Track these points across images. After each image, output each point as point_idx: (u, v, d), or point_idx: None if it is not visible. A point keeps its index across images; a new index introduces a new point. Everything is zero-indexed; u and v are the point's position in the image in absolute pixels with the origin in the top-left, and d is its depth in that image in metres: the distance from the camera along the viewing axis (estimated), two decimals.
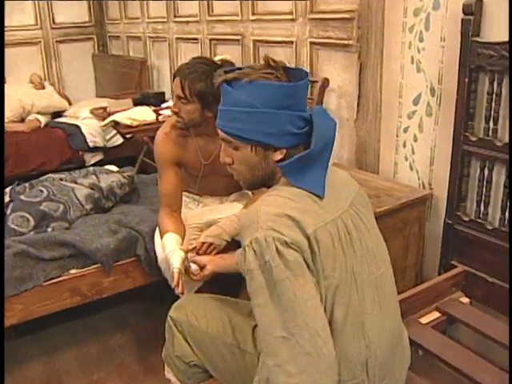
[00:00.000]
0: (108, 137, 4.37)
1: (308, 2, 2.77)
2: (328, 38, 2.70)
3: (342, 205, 1.29)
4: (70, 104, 4.90)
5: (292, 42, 2.93)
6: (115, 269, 2.36)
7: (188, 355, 1.63)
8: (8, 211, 2.59)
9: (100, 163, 4.19)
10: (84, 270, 2.34)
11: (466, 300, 2.14)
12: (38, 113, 4.58)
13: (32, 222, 2.52)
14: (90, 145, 4.30)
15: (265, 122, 1.23)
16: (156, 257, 2.31)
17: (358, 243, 1.28)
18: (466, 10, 2.00)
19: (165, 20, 4.18)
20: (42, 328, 2.59)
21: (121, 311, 2.79)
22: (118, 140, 4.37)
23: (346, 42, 2.61)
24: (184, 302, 1.72)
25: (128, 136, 4.01)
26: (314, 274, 1.17)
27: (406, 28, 2.32)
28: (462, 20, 2.01)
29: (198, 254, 1.95)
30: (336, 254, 1.21)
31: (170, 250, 2.01)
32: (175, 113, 2.04)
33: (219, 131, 1.31)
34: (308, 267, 1.16)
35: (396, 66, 2.40)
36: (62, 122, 4.56)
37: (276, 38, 3.04)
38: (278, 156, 1.27)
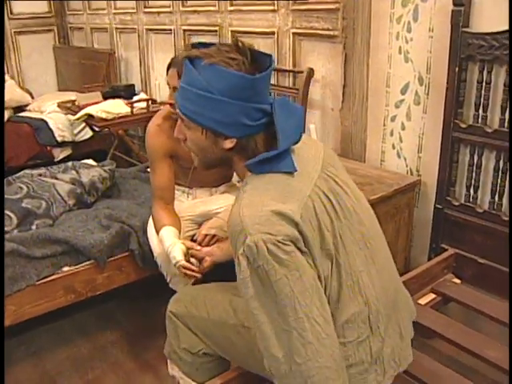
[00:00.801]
0: (76, 131, 4.27)
1: None
2: (312, 28, 2.72)
3: (312, 173, 1.28)
4: (32, 98, 4.74)
5: (273, 33, 2.93)
6: (109, 265, 2.33)
7: (195, 344, 1.62)
8: None
9: (69, 158, 4.10)
10: (77, 267, 2.29)
11: (457, 281, 2.23)
12: None
13: (15, 220, 2.44)
14: (58, 139, 4.19)
15: (218, 110, 1.20)
16: (150, 251, 2.28)
17: (337, 206, 1.27)
18: (456, 1, 2.06)
19: (134, 11, 4.10)
20: (27, 329, 2.51)
21: (107, 308, 2.73)
22: (87, 134, 4.28)
23: (330, 32, 2.64)
24: (181, 295, 1.72)
25: (100, 130, 3.92)
26: (309, 255, 1.18)
27: (393, 19, 2.37)
28: (452, 11, 2.08)
29: (200, 245, 1.95)
30: (322, 225, 1.21)
31: (169, 244, 1.98)
32: (171, 105, 2.01)
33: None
34: (302, 252, 1.17)
35: (383, 56, 2.45)
36: (26, 117, 4.42)
37: (256, 29, 3.04)
38: (229, 145, 1.26)
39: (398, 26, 2.36)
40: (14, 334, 2.47)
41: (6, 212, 2.46)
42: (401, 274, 2.25)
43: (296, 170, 1.23)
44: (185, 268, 1.87)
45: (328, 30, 2.64)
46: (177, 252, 1.92)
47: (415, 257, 2.54)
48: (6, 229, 2.40)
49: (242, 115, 1.20)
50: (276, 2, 2.86)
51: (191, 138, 1.30)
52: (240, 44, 1.20)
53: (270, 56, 1.25)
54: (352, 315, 1.25)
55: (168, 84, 2.03)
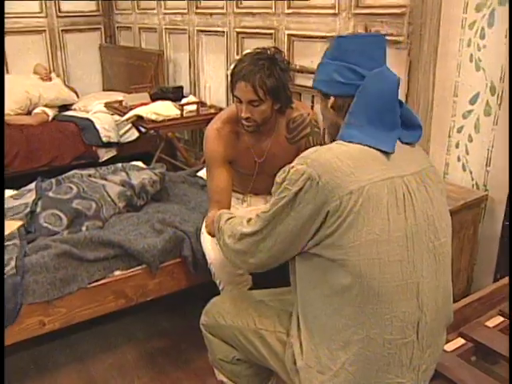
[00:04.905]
0: (122, 132, 4.24)
1: None
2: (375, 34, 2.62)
3: (407, 169, 1.29)
4: (77, 97, 4.74)
5: (333, 38, 2.83)
6: (160, 270, 2.27)
7: (228, 353, 1.67)
8: (38, 209, 2.47)
9: (113, 159, 4.08)
10: (129, 271, 2.24)
11: None
12: (46, 105, 4.44)
13: (65, 221, 2.41)
14: (104, 140, 4.17)
15: (321, 71, 1.39)
16: (203, 258, 2.22)
17: (418, 207, 1.28)
18: None
19: (185, 11, 4.04)
20: (71, 332, 2.45)
21: (153, 314, 2.66)
22: (133, 135, 4.25)
23: (395, 38, 2.53)
24: (210, 307, 1.76)
25: (146, 131, 3.88)
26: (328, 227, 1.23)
27: (465, 24, 2.26)
28: None
29: None
30: (383, 211, 1.22)
31: None
32: (246, 118, 1.96)
33: None
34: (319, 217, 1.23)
35: (452, 64, 2.34)
36: (72, 116, 4.42)
37: (314, 33, 2.95)
38: (329, 103, 1.37)
39: (471, 32, 2.24)
40: (58, 337, 2.41)
41: (57, 212, 2.44)
42: (462, 295, 2.17)
43: (391, 151, 1.28)
44: None
45: (392, 35, 2.54)
46: None
47: (478, 276, 2.41)
48: (56, 229, 2.37)
49: (335, 73, 1.32)
50: (337, 5, 2.77)
51: (320, 111, 1.47)
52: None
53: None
54: (402, 313, 1.25)
55: (236, 97, 1.97)
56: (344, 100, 1.33)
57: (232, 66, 2.01)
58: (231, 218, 1.57)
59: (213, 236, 1.94)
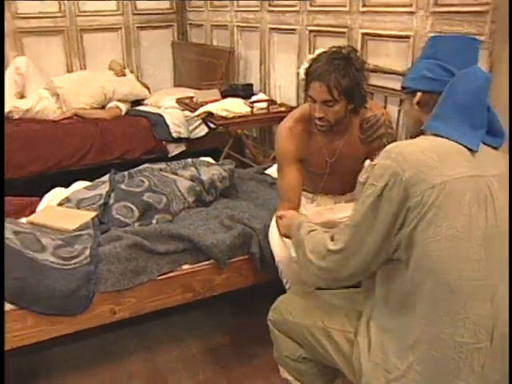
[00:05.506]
0: (191, 127, 4.31)
1: None
2: (454, 32, 2.53)
3: (490, 171, 1.27)
4: (149, 92, 4.85)
5: (408, 37, 2.76)
6: (228, 266, 2.29)
7: (294, 350, 1.68)
8: (111, 201, 2.55)
9: (182, 154, 4.15)
10: (196, 265, 2.27)
11: None
12: (119, 100, 4.57)
13: (136, 213, 2.47)
14: (174, 135, 4.25)
15: (411, 70, 1.42)
16: (270, 255, 2.23)
17: (499, 209, 1.25)
18: None
19: (257, 9, 4.06)
20: (139, 322, 2.50)
21: (218, 309, 2.69)
22: (202, 131, 4.31)
23: (475, 37, 2.43)
24: (278, 303, 1.77)
25: (216, 128, 3.92)
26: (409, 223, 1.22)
27: None
28: None
29: None
30: (464, 207, 1.21)
31: None
32: (320, 118, 1.95)
33: None
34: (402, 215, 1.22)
35: None
36: (143, 111, 4.53)
37: (389, 32, 2.88)
38: (416, 99, 1.37)
39: None
40: (127, 326, 2.47)
41: (128, 204, 2.50)
42: None
43: (476, 149, 1.27)
44: None
45: (473, 34, 2.44)
46: None
47: None
48: (127, 221, 2.44)
49: (425, 69, 1.34)
50: (415, 2, 2.69)
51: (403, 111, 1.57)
52: None
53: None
54: (476, 316, 1.22)
55: (310, 97, 1.96)
56: (431, 96, 1.33)
57: (306, 65, 2.01)
58: (313, 230, 1.54)
59: (285, 236, 1.94)
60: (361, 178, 1.32)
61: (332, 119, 1.95)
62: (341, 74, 1.85)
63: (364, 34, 3.05)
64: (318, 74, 1.88)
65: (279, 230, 1.98)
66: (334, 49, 1.95)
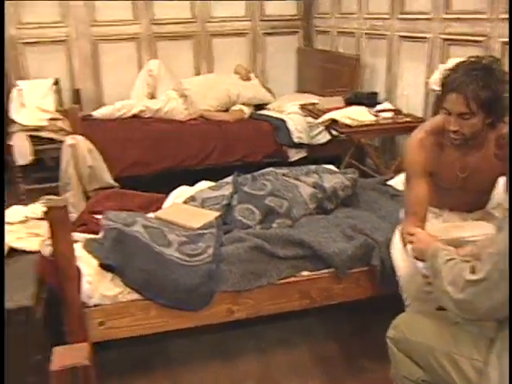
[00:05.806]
0: (313, 134, 4.31)
1: None
2: None
3: None
4: (273, 97, 4.91)
5: None
6: (347, 276, 2.27)
7: (414, 372, 1.63)
8: (234, 202, 2.61)
9: (303, 160, 4.16)
10: (315, 273, 2.28)
11: None
12: (243, 104, 4.67)
13: (258, 216, 2.51)
14: (295, 140, 4.27)
15: None
16: (391, 269, 2.17)
17: None
18: None
19: (387, 16, 3.98)
20: (256, 323, 2.52)
21: (333, 318, 2.66)
22: (324, 138, 4.29)
23: None
24: (400, 321, 1.72)
25: (338, 135, 3.90)
26: None
27: None
28: None
29: None
30: None
31: None
32: (455, 131, 1.88)
33: None
34: None
35: None
36: (266, 115, 4.60)
37: None
38: None
39: None
40: (245, 326, 2.52)
41: (251, 207, 2.55)
42: None
43: None
44: None
45: None
46: None
47: None
48: (249, 223, 2.49)
49: None
50: None
51: None
52: None
53: None
54: None
55: (445, 109, 1.89)
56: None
57: (441, 76, 1.94)
58: (451, 259, 1.47)
59: (416, 259, 1.87)
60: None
61: (467, 133, 1.87)
62: (479, 86, 1.77)
63: (505, 43, 2.88)
64: (456, 86, 1.81)
65: (404, 243, 1.92)
66: (473, 59, 1.87)
